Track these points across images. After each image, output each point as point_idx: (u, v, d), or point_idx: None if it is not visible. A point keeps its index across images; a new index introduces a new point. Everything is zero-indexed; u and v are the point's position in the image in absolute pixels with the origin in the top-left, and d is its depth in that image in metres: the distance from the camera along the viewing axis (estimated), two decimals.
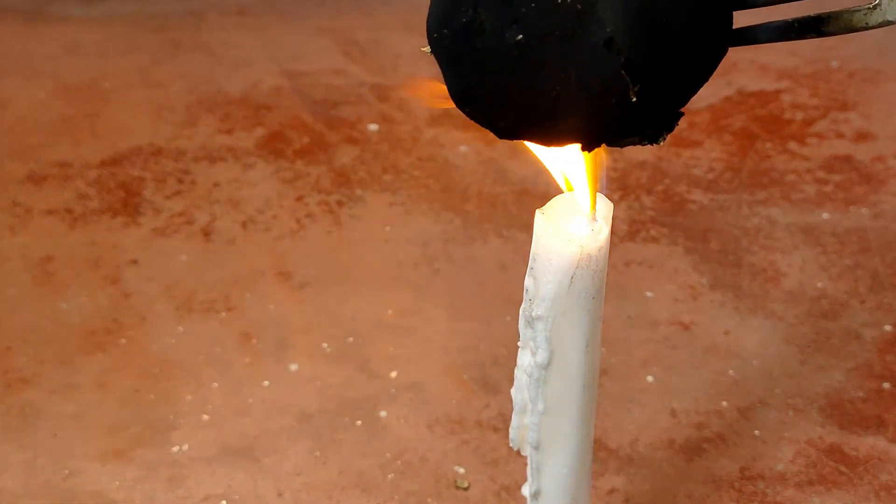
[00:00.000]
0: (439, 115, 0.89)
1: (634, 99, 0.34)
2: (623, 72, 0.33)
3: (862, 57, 0.97)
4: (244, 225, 0.78)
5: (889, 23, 0.33)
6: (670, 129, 0.36)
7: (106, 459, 0.60)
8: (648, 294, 0.72)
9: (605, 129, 0.35)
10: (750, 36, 0.36)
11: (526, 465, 0.47)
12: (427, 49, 0.35)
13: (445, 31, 0.34)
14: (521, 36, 0.33)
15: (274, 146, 0.86)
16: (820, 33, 0.35)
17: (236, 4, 1.07)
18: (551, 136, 0.35)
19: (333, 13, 1.06)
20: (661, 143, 0.36)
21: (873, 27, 0.34)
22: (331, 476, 0.59)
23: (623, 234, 0.77)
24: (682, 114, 0.36)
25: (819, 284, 0.72)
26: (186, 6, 1.06)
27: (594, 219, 0.40)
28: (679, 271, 0.73)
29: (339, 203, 0.80)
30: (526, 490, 0.48)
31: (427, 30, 0.35)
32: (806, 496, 0.58)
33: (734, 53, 1.06)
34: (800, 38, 0.35)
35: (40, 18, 1.04)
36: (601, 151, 0.40)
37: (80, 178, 0.82)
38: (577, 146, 0.36)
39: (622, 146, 0.36)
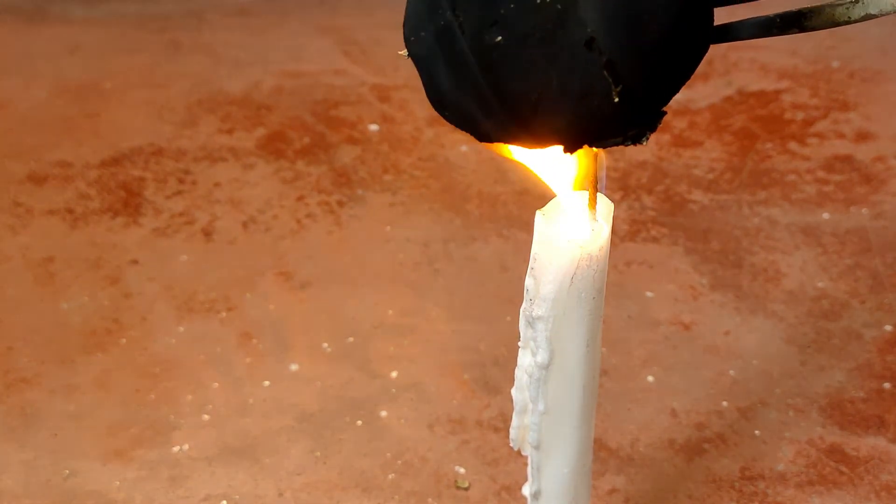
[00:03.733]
0: (439, 116, 0.89)
1: (617, 99, 0.33)
2: (605, 72, 0.32)
3: (862, 57, 0.97)
4: (245, 225, 0.78)
5: (872, 16, 0.33)
6: (653, 128, 0.35)
7: (106, 459, 0.60)
8: (649, 294, 0.72)
9: (588, 130, 0.34)
10: (732, 32, 0.35)
11: (526, 465, 0.47)
12: (404, 52, 0.34)
13: (423, 33, 0.33)
14: (500, 38, 0.32)
15: (274, 146, 0.86)
16: (802, 28, 0.34)
17: (237, 5, 1.07)
18: (533, 139, 0.35)
19: (333, 13, 1.06)
20: (645, 143, 0.35)
21: (856, 21, 0.33)
22: (331, 476, 0.59)
23: (624, 234, 0.77)
24: (665, 113, 0.35)
25: (819, 285, 0.72)
26: (187, 7, 1.06)
27: (594, 219, 0.40)
28: (679, 271, 0.73)
29: (340, 203, 0.80)
30: (526, 490, 0.48)
31: (404, 32, 0.34)
32: (806, 496, 0.58)
33: (734, 53, 1.06)
34: (782, 34, 0.35)
35: (41, 19, 1.04)
36: (599, 154, 0.40)
37: (81, 179, 0.82)
38: (560, 148, 0.35)
39: (605, 147, 0.35)
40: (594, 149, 0.40)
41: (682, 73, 0.34)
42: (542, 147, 0.35)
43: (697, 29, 0.34)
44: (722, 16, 0.35)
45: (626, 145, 0.35)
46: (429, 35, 0.33)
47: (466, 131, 0.35)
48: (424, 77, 0.34)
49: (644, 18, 0.32)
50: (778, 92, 0.93)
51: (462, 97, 0.34)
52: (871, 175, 0.82)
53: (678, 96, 0.98)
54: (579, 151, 0.40)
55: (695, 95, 0.92)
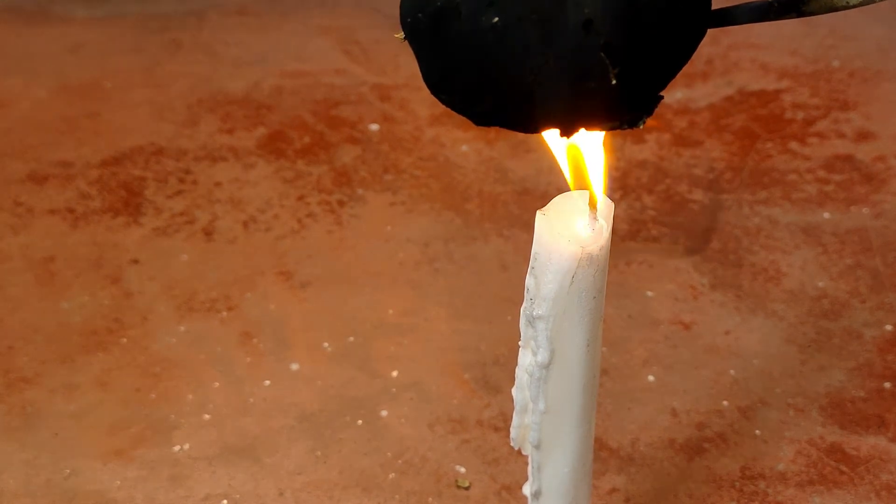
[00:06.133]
0: (440, 115, 0.89)
1: (614, 82, 0.33)
2: (602, 54, 0.32)
3: (862, 56, 0.97)
4: (245, 224, 0.78)
5: (870, 1, 0.33)
6: (650, 112, 0.35)
7: (107, 459, 0.60)
8: (649, 293, 0.72)
9: (585, 113, 0.34)
10: (729, 16, 0.35)
11: (527, 464, 0.47)
12: (400, 35, 0.34)
13: (420, 15, 0.33)
14: (497, 19, 0.32)
15: (275, 146, 0.86)
16: (800, 13, 0.34)
17: (237, 4, 1.07)
18: (529, 122, 0.35)
19: (334, 13, 1.06)
20: (641, 127, 0.35)
21: (854, 6, 0.33)
22: (332, 475, 0.59)
23: (624, 233, 0.77)
24: (662, 97, 0.35)
25: (820, 284, 0.72)
26: (188, 6, 1.06)
27: (595, 218, 0.40)
28: (680, 271, 0.73)
29: (340, 202, 0.80)
30: (527, 489, 0.48)
31: (400, 15, 0.34)
32: (807, 496, 0.58)
33: (734, 53, 1.06)
34: (779, 19, 0.34)
35: (43, 18, 1.04)
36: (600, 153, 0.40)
37: (82, 178, 0.82)
38: (556, 132, 0.35)
39: (601, 131, 0.35)
40: (595, 147, 0.40)
41: (679, 56, 0.34)
42: (538, 131, 0.35)
43: (695, 12, 0.34)
44: (719, 0, 0.35)
45: (623, 129, 0.35)
46: (425, 17, 0.33)
47: (463, 114, 0.35)
48: (421, 59, 0.34)
49: (642, 0, 0.32)
50: (778, 91, 0.93)
51: (459, 80, 0.34)
52: (872, 175, 0.82)
53: (678, 95, 0.98)
54: (578, 150, 0.40)
55: (695, 95, 0.92)
